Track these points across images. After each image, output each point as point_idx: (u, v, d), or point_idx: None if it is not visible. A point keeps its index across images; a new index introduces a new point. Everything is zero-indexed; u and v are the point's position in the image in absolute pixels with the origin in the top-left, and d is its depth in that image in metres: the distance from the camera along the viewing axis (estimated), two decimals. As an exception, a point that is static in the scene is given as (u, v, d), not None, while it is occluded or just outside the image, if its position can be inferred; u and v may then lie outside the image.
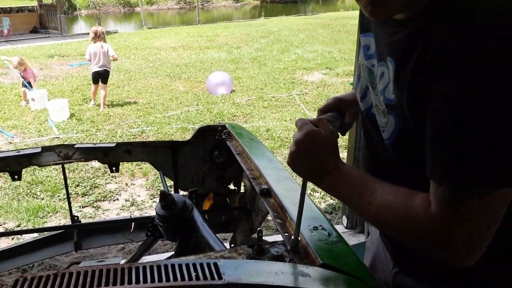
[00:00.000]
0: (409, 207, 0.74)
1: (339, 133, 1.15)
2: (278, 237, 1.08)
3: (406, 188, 0.77)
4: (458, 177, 0.67)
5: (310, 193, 3.75)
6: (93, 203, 3.76)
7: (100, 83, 6.58)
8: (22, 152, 1.78)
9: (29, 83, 6.74)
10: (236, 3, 30.89)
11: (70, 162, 1.86)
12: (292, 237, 0.99)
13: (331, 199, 3.77)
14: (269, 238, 2.56)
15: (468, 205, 0.68)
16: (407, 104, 0.74)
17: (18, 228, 3.32)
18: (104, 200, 3.84)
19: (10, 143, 5.33)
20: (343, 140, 5.04)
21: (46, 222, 3.45)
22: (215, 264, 0.85)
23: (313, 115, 6.11)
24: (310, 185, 0.94)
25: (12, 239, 3.06)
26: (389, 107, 0.81)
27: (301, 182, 0.94)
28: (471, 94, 0.64)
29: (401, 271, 1.03)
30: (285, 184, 1.35)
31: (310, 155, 0.84)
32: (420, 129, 0.72)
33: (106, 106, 6.62)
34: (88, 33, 9.15)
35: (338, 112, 1.06)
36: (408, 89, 0.72)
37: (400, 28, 0.77)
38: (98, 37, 6.41)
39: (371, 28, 0.90)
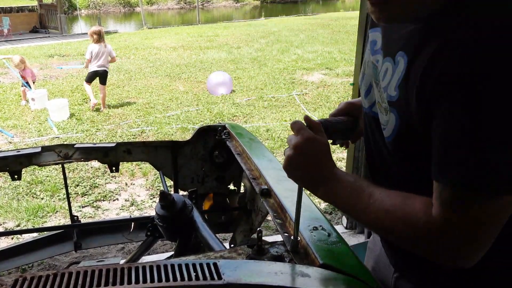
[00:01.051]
0: (408, 211, 0.73)
1: (349, 141, 1.13)
2: (278, 237, 1.08)
3: (403, 192, 0.76)
4: (468, 182, 0.66)
5: (310, 194, 3.74)
6: (92, 203, 3.76)
7: (99, 84, 6.55)
8: (22, 152, 1.78)
9: (27, 82, 6.74)
10: (236, 3, 30.90)
11: (70, 162, 1.86)
12: (292, 237, 0.99)
13: (331, 199, 3.76)
14: (269, 238, 2.56)
15: (475, 210, 0.67)
16: (416, 101, 0.71)
17: (18, 228, 3.31)
18: (103, 200, 3.84)
19: (10, 142, 5.33)
20: (343, 141, 5.05)
21: (45, 222, 3.45)
22: (215, 264, 0.85)
23: (314, 115, 6.11)
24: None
25: (12, 238, 3.06)
26: (391, 104, 0.79)
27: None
28: (486, 101, 0.63)
29: (401, 276, 1.02)
30: (285, 184, 1.34)
31: (307, 161, 0.82)
32: (425, 128, 0.71)
33: (106, 106, 6.62)
34: (88, 33, 9.01)
35: (349, 116, 1.04)
36: (419, 86, 0.70)
37: (414, 22, 0.76)
38: (102, 37, 6.43)
39: (377, 24, 0.88)
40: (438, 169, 0.70)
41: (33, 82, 6.87)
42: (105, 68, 6.56)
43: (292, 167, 0.84)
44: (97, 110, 6.46)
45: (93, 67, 6.47)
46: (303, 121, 0.87)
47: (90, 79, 6.59)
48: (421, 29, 0.74)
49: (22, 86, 6.86)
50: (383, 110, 0.83)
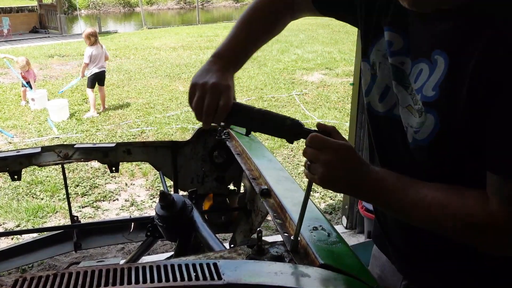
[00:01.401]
0: (463, 205, 0.73)
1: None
2: (278, 237, 1.08)
3: (452, 185, 0.75)
4: None
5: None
6: (92, 203, 3.76)
7: (98, 85, 6.46)
8: (22, 152, 1.78)
9: (28, 83, 6.74)
10: (236, 3, 30.89)
11: (69, 162, 1.86)
12: (292, 237, 0.99)
13: (331, 199, 3.77)
14: (269, 238, 2.56)
15: None
16: (467, 97, 0.69)
17: (18, 228, 3.32)
18: (103, 200, 3.84)
19: (10, 143, 5.33)
20: (343, 141, 5.04)
21: (45, 222, 3.45)
22: (215, 265, 0.85)
23: (313, 115, 6.11)
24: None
25: (12, 239, 3.06)
26: (428, 105, 0.76)
27: (301, 183, 0.93)
28: None
29: (410, 284, 1.01)
30: (284, 184, 1.34)
31: (344, 171, 0.80)
32: (473, 125, 0.70)
33: (105, 106, 6.61)
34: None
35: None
36: (471, 84, 0.68)
37: (449, 18, 0.73)
38: (97, 38, 6.37)
39: (399, 24, 0.83)
40: (497, 162, 0.69)
41: (34, 82, 6.86)
42: (104, 69, 6.54)
43: (332, 183, 0.82)
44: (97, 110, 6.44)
45: (94, 69, 6.36)
46: (316, 128, 0.85)
47: (92, 83, 6.40)
48: (458, 26, 0.72)
49: (22, 86, 6.86)
50: (415, 113, 0.79)
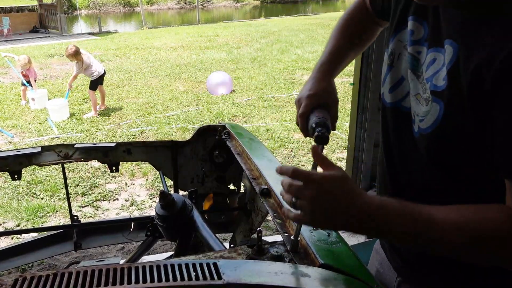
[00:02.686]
0: (484, 222, 0.67)
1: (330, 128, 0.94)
2: (278, 237, 1.08)
3: (463, 205, 0.69)
4: None
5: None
6: (92, 202, 3.76)
7: (98, 85, 6.47)
8: (22, 152, 1.78)
9: (29, 81, 6.73)
10: (236, 3, 30.90)
11: (70, 162, 1.86)
12: (292, 237, 0.99)
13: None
14: (269, 238, 2.56)
15: None
16: (468, 90, 0.67)
17: (18, 228, 3.32)
18: (103, 200, 3.84)
19: (10, 142, 5.33)
20: (343, 140, 5.04)
21: (45, 221, 3.45)
22: (215, 264, 0.85)
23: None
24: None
25: (12, 238, 3.06)
26: (436, 94, 0.75)
27: None
28: None
29: (404, 281, 1.01)
30: (285, 184, 1.34)
31: (333, 202, 0.71)
32: (475, 118, 0.67)
33: (105, 104, 6.60)
34: (89, 33, 8.83)
35: (321, 108, 0.95)
36: (474, 76, 0.66)
37: (462, 7, 0.72)
38: (81, 53, 6.20)
39: (421, 12, 0.83)
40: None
41: (35, 81, 6.86)
42: (104, 68, 6.54)
43: (323, 219, 0.73)
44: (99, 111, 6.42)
45: (96, 74, 6.31)
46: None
47: (95, 85, 6.39)
48: (470, 16, 0.70)
49: (22, 85, 6.86)
50: (423, 102, 0.79)
